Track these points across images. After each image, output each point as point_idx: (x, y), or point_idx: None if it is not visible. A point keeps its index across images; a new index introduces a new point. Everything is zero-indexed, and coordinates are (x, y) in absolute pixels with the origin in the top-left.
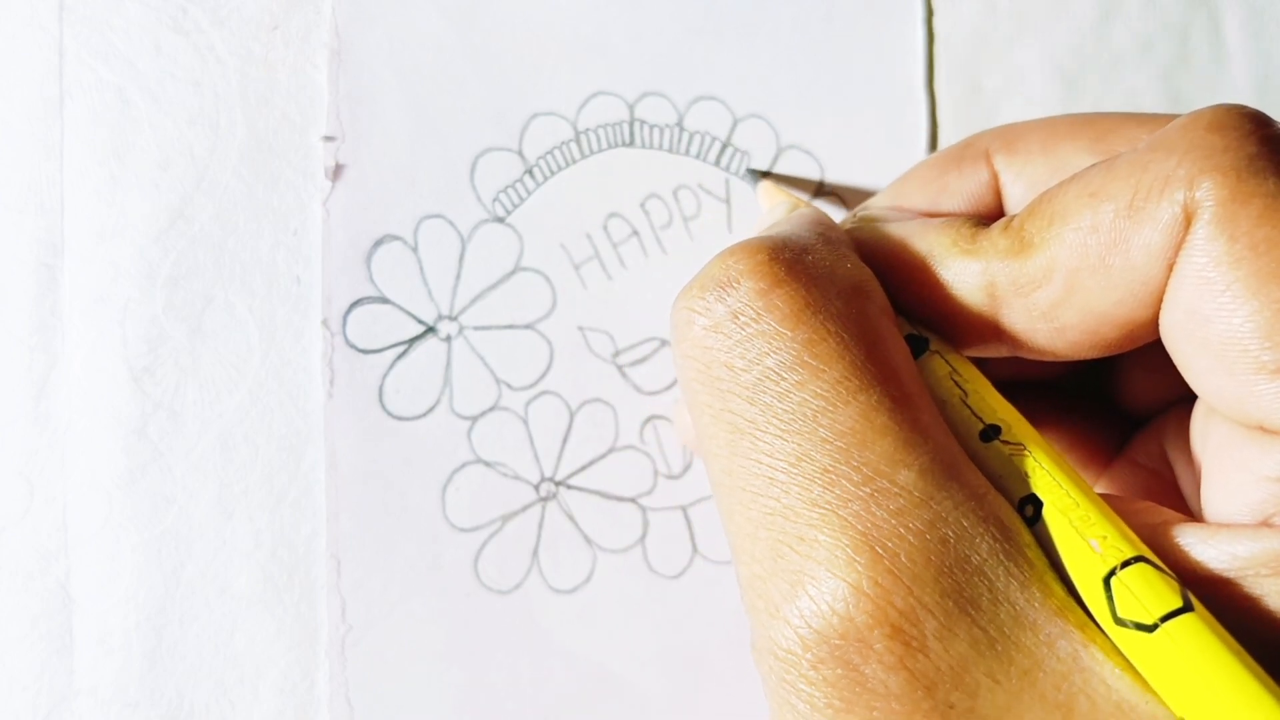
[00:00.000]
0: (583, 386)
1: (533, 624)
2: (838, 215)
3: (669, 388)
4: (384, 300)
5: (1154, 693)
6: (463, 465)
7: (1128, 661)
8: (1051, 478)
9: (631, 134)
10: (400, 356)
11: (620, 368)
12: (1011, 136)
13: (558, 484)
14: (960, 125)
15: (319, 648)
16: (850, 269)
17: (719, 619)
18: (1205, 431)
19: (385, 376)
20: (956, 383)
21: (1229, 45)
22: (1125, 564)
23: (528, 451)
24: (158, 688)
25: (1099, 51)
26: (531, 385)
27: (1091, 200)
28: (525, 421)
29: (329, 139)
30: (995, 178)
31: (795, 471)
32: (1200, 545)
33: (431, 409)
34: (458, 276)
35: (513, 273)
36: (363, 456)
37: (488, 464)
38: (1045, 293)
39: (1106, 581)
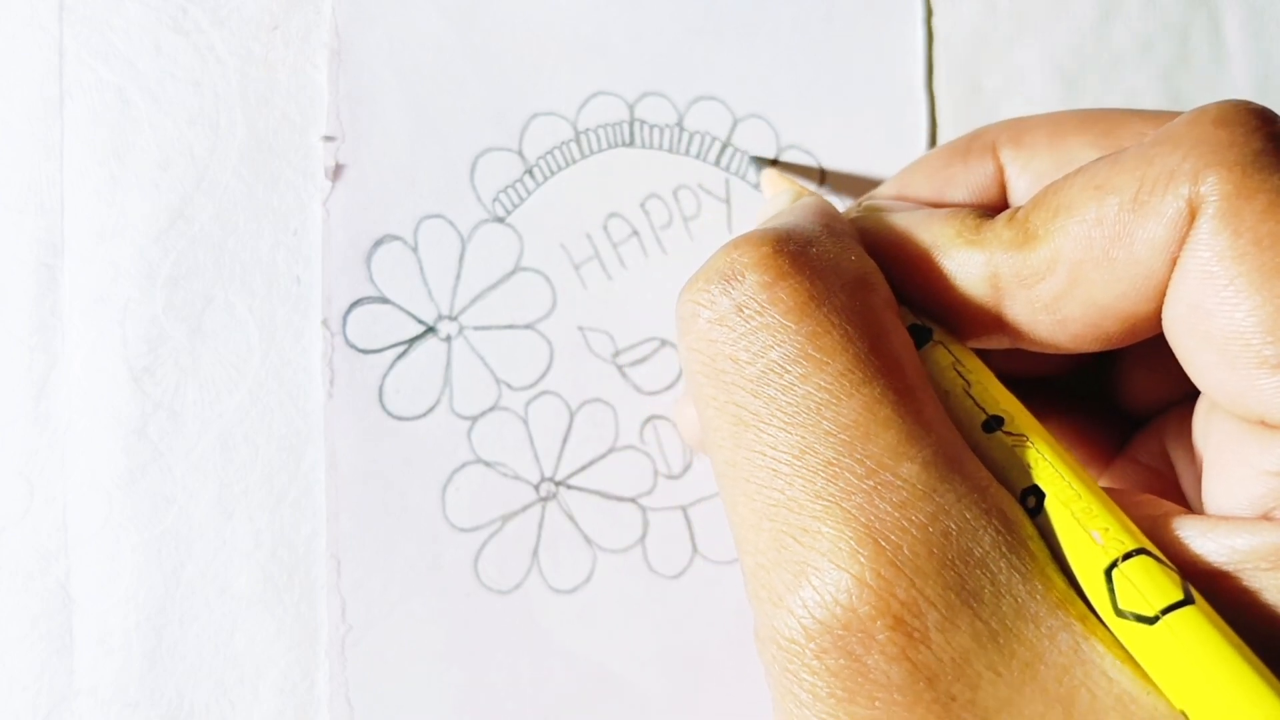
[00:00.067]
0: (583, 386)
1: (533, 624)
2: (839, 205)
3: (669, 388)
4: (384, 300)
5: (1154, 685)
6: (463, 465)
7: (1128, 654)
8: (1054, 469)
9: (631, 134)
10: (400, 356)
11: (620, 368)
12: (1018, 130)
13: (558, 484)
14: (960, 125)
15: (319, 648)
16: (854, 261)
17: (719, 619)
18: (1207, 427)
19: (385, 376)
20: (959, 373)
21: (1229, 45)
22: (1127, 556)
23: (528, 451)
24: (158, 688)
25: (1099, 51)
26: (531, 385)
27: (1096, 193)
28: (525, 421)
29: (329, 139)
30: (1001, 170)
31: (799, 464)
32: (1200, 538)
33: (431, 409)
34: (458, 276)
35: (513, 273)
36: (363, 456)
37: (488, 464)
38: (1048, 285)
39: (1108, 573)
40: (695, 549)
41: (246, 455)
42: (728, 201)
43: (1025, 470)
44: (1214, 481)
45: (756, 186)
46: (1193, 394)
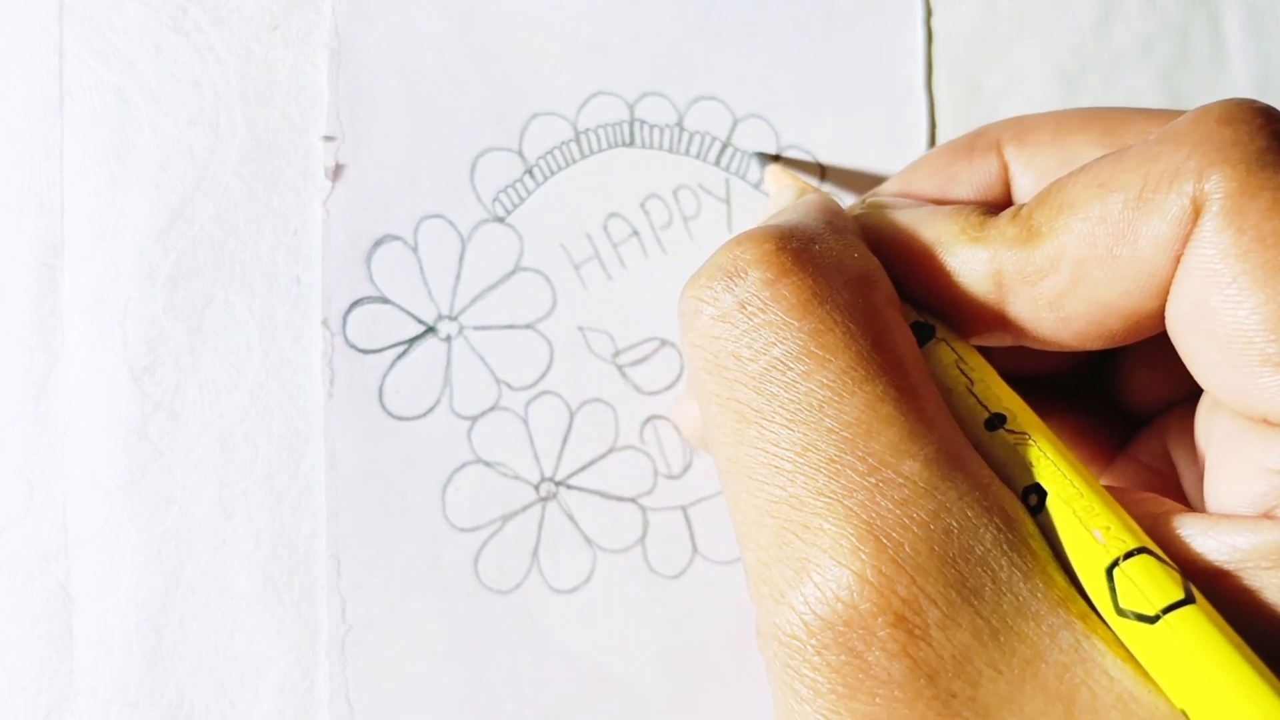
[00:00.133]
0: (583, 386)
1: (533, 624)
2: (843, 202)
3: (669, 388)
4: (384, 300)
5: (1155, 684)
6: (463, 465)
7: (1129, 653)
8: (1055, 467)
9: (631, 134)
10: (400, 356)
11: (620, 368)
12: (1022, 127)
13: (558, 484)
14: (960, 125)
15: (319, 648)
16: (857, 259)
17: (719, 619)
18: (1209, 426)
19: (385, 376)
20: (962, 371)
21: (1229, 45)
22: (1128, 555)
23: (528, 451)
24: (158, 688)
25: (1099, 51)
26: (531, 385)
27: (1100, 190)
28: (525, 421)
29: (329, 139)
30: (1005, 168)
31: (801, 460)
32: (1201, 536)
33: (431, 409)
34: (458, 276)
35: (513, 273)
36: (363, 456)
37: (488, 464)
38: (1052, 282)
39: (1109, 572)
40: (695, 549)
41: (246, 455)
42: (728, 201)
43: (1027, 468)
44: (1216, 480)
45: (757, 185)
46: (1194, 393)
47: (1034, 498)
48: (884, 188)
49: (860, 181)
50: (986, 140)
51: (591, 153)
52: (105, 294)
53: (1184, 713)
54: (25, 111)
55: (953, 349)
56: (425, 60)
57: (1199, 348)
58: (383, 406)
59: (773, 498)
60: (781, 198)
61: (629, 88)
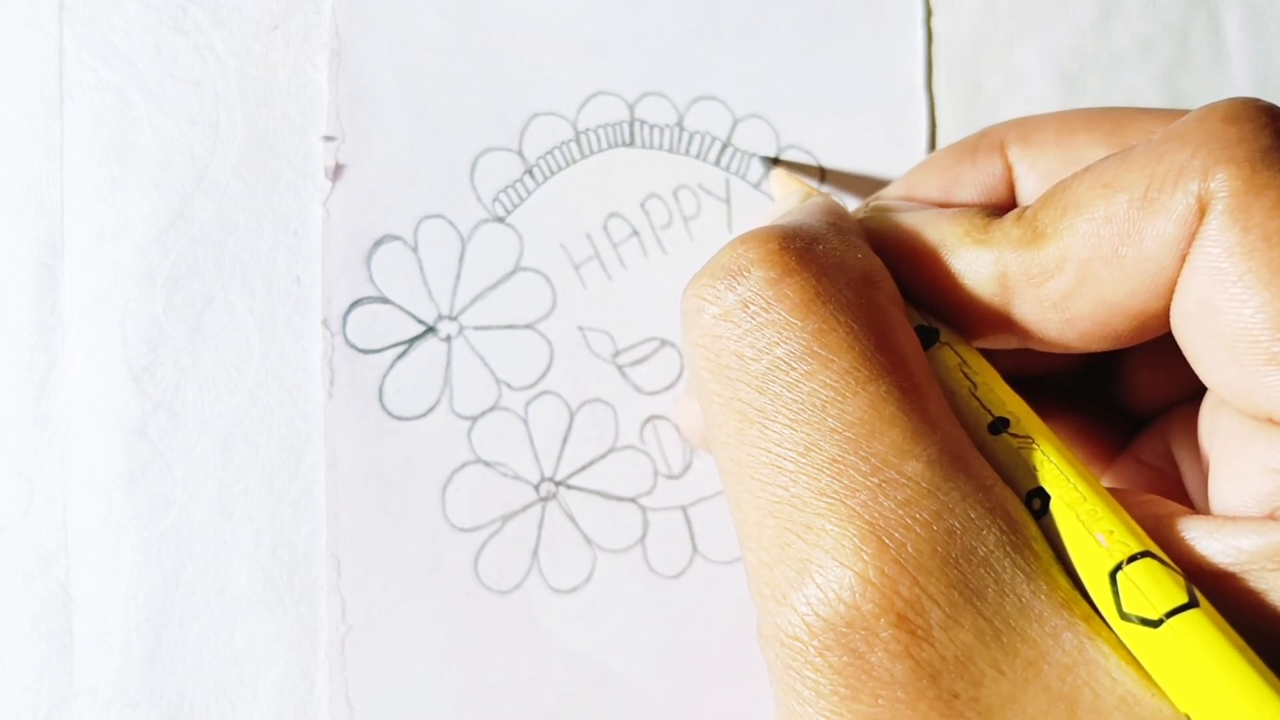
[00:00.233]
0: (583, 386)
1: (533, 624)
2: (847, 206)
3: (669, 388)
4: (384, 300)
5: (1159, 688)
6: (463, 465)
7: (1133, 656)
8: (1059, 471)
9: (631, 134)
10: (400, 356)
11: (620, 368)
12: (1026, 128)
13: (558, 484)
14: (960, 125)
15: (319, 648)
16: (861, 259)
17: (719, 619)
18: (1213, 425)
19: (385, 376)
20: (966, 374)
21: (1229, 45)
22: (1132, 559)
23: (528, 451)
24: (158, 688)
25: (1099, 51)
26: (531, 385)
27: (1105, 190)
28: (525, 421)
29: (329, 139)
30: (1009, 169)
31: (804, 460)
32: (1205, 539)
33: (431, 409)
34: (458, 276)
35: (513, 273)
36: (363, 456)
37: (488, 464)
38: (1057, 283)
39: (1113, 576)
40: (695, 549)
41: (246, 455)
42: (728, 201)
43: (1031, 472)
44: (1220, 479)
45: (757, 185)
46: (1196, 392)
47: (1037, 502)
48: (887, 191)
49: (861, 183)
50: (990, 141)
51: (591, 153)
52: (105, 294)
53: (1187, 717)
54: (25, 111)
55: (956, 352)
56: (425, 60)
57: (1204, 347)
58: (383, 406)
59: (775, 498)
60: (786, 202)
61: (629, 88)
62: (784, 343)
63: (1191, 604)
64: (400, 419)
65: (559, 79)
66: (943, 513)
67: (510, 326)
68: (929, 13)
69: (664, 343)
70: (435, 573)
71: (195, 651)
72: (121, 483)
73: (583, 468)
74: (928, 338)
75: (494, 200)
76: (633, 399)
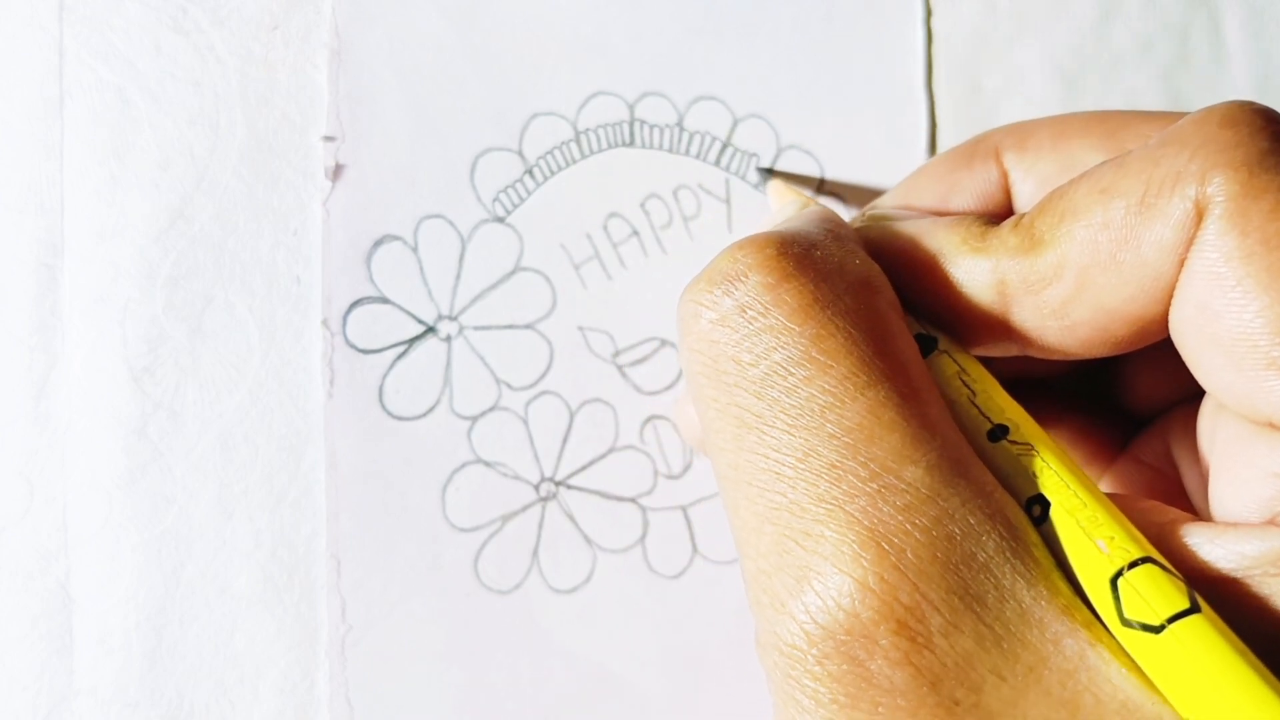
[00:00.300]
0: (583, 386)
1: (533, 624)
2: (842, 212)
3: (669, 388)
4: (384, 300)
5: (1160, 694)
6: (463, 465)
7: (1134, 662)
8: (1059, 478)
9: (631, 134)
10: (400, 356)
11: (620, 368)
12: (1021, 134)
13: (558, 484)
14: (960, 125)
15: (319, 648)
16: (859, 264)
17: (719, 619)
18: (1213, 428)
19: (385, 376)
20: (964, 382)
21: (1229, 45)
22: (1132, 565)
23: (528, 451)
24: (158, 688)
25: (1099, 51)
26: (531, 385)
27: (1103, 196)
28: (525, 421)
29: (329, 139)
30: (1005, 175)
31: (802, 466)
32: (1207, 545)
33: (431, 409)
34: (458, 276)
35: (513, 273)
36: (363, 456)
37: (488, 464)
38: (1056, 290)
39: (1113, 582)
40: (695, 549)
41: (246, 455)
42: (728, 201)
43: (1030, 479)
44: (1221, 484)
45: (757, 186)
46: (1196, 393)
47: (1037, 509)
48: (883, 200)
49: (858, 193)
50: (985, 148)
51: (591, 153)
52: (105, 294)
53: None
54: (25, 111)
55: (955, 360)
56: (425, 60)
57: (1203, 352)
58: (383, 406)
59: (773, 504)
60: (783, 212)
61: (629, 88)
62: (782, 348)
63: (1193, 609)
64: (400, 419)
65: (559, 79)
66: (942, 518)
67: (510, 326)
68: (929, 13)
69: (664, 343)
70: (435, 573)
71: (195, 651)
72: (121, 483)
73: (583, 468)
74: (926, 346)
75: (494, 200)
76: (633, 399)
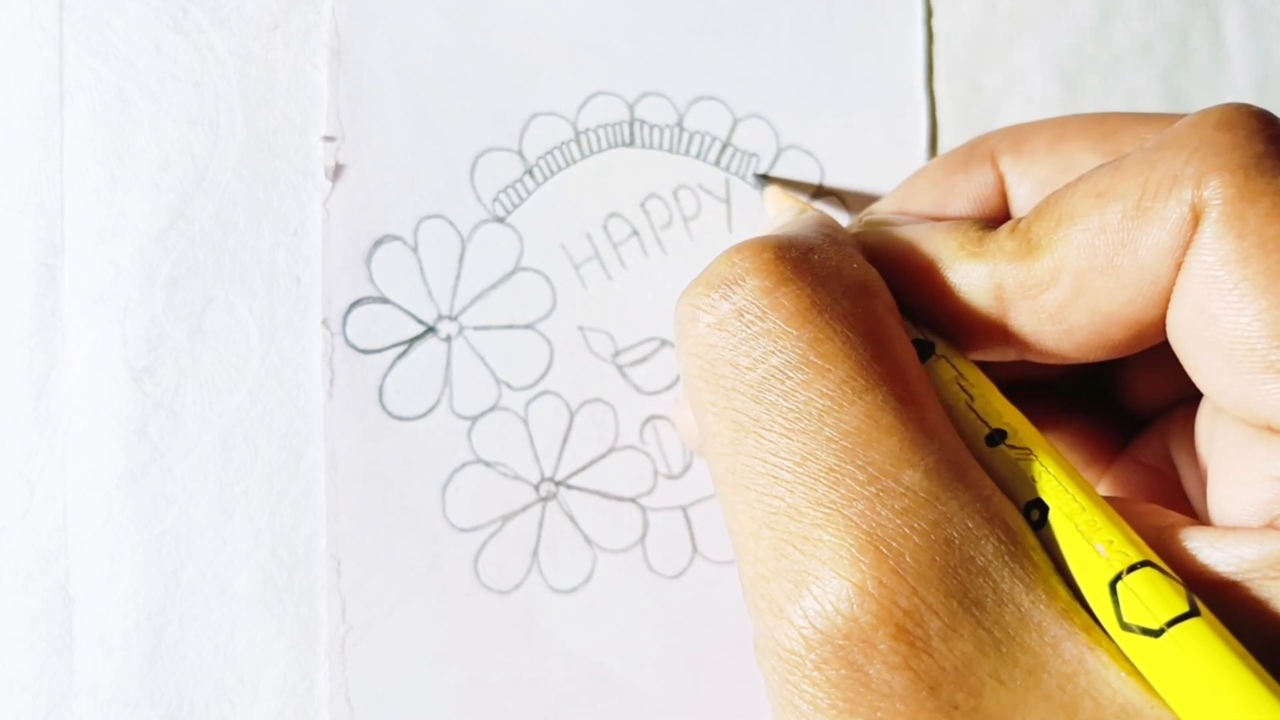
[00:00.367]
0: (583, 386)
1: (533, 624)
2: (839, 217)
3: (669, 388)
4: (384, 300)
5: (1159, 697)
6: (463, 465)
7: (1133, 666)
8: (1058, 482)
9: (631, 134)
10: (400, 356)
11: (620, 368)
12: (1017, 137)
13: (558, 484)
14: (960, 125)
15: (319, 648)
16: (856, 268)
17: (719, 619)
18: (1211, 431)
19: (385, 376)
20: (962, 387)
21: (1229, 45)
22: (1131, 569)
23: (528, 451)
24: (158, 688)
25: (1099, 51)
26: (531, 385)
27: (1099, 200)
28: (525, 421)
29: (329, 139)
30: (1001, 179)
31: (800, 470)
32: (1207, 548)
33: (431, 409)
34: (458, 276)
35: (513, 273)
36: (363, 456)
37: (488, 464)
38: (1053, 294)
39: (1112, 586)
40: (695, 549)
41: (246, 455)
42: (728, 201)
43: (1029, 484)
44: (1219, 487)
45: (754, 186)
46: (1195, 394)
47: (1036, 513)
48: (880, 205)
49: (856, 200)
50: (981, 152)
51: (591, 153)
52: (105, 294)
53: None
54: (25, 111)
55: (952, 365)
56: (425, 60)
57: (1201, 355)
58: (383, 406)
59: (771, 509)
60: (780, 218)
61: (629, 88)
62: (779, 351)
63: (1192, 613)
64: (400, 419)
65: (559, 79)
66: (941, 522)
67: (510, 326)
68: (929, 13)
69: (664, 343)
70: (435, 573)
71: (195, 651)
72: (121, 483)
73: (583, 468)
74: (923, 351)
75: (494, 200)
76: (633, 399)
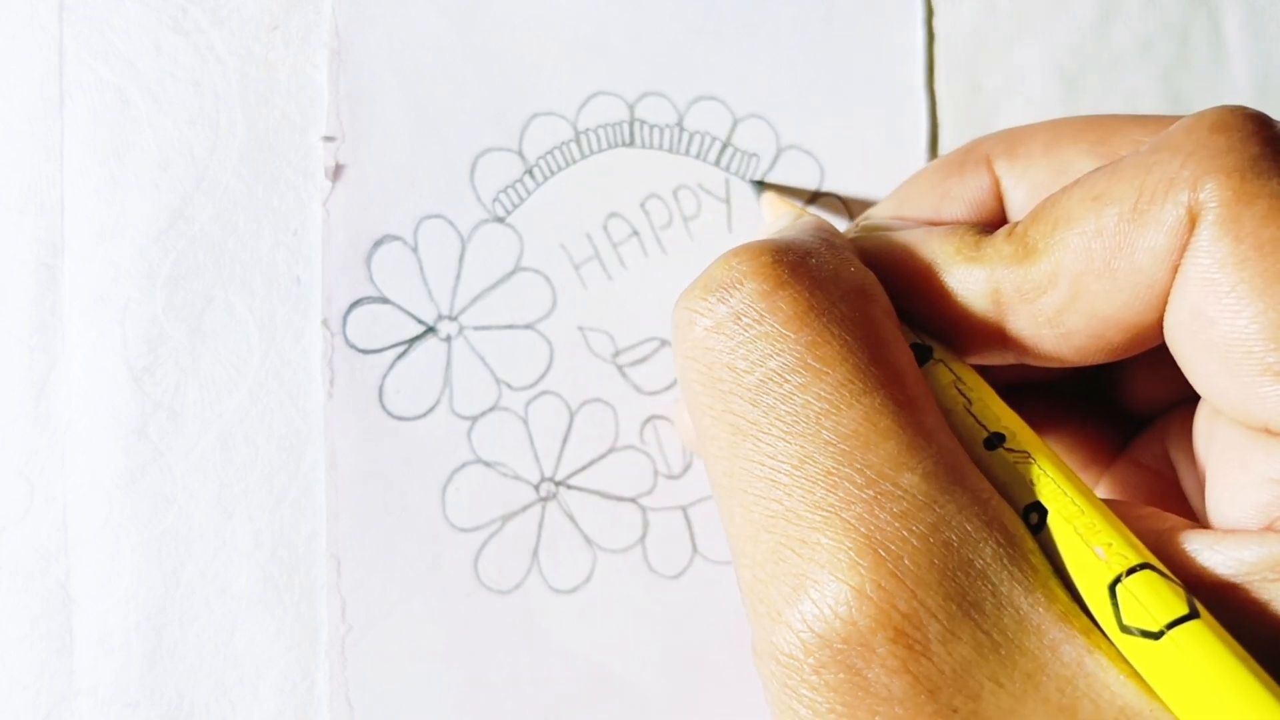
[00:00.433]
0: (583, 386)
1: (533, 624)
2: (837, 221)
3: (669, 388)
4: (384, 300)
5: (1159, 699)
6: (463, 465)
7: (1133, 669)
8: (1056, 485)
9: (631, 134)
10: (400, 356)
11: (620, 368)
12: (1012, 140)
13: (558, 484)
14: (960, 125)
15: (319, 648)
16: (854, 272)
17: (719, 619)
18: (1209, 433)
19: (385, 376)
20: (960, 391)
21: (1229, 45)
22: (1131, 571)
23: (528, 451)
24: (158, 688)
25: (1099, 51)
26: (531, 385)
27: (1095, 204)
28: (525, 421)
29: (329, 139)
30: (996, 183)
31: (798, 474)
32: (1206, 551)
33: (431, 409)
34: (458, 276)
35: (513, 273)
36: (363, 456)
37: (488, 464)
38: (1051, 298)
39: (1112, 588)
40: (695, 549)
41: (246, 455)
42: (728, 201)
43: (1028, 487)
44: (1217, 489)
45: (753, 191)
46: (1194, 395)
47: (1034, 516)
48: (876, 210)
49: (853, 204)
50: (976, 156)
51: (591, 153)
52: (105, 294)
53: None
54: (25, 111)
55: (950, 369)
56: (425, 60)
57: (1198, 358)
58: (383, 406)
59: (769, 512)
60: (778, 223)
61: (629, 88)
62: (777, 355)
63: (1192, 615)
64: (400, 419)
65: (559, 79)
66: (939, 525)
67: (510, 326)
68: (929, 13)
69: (664, 343)
70: (435, 573)
71: (195, 651)
72: (121, 483)
73: (583, 468)
74: (921, 355)
75: (494, 200)
76: (633, 399)
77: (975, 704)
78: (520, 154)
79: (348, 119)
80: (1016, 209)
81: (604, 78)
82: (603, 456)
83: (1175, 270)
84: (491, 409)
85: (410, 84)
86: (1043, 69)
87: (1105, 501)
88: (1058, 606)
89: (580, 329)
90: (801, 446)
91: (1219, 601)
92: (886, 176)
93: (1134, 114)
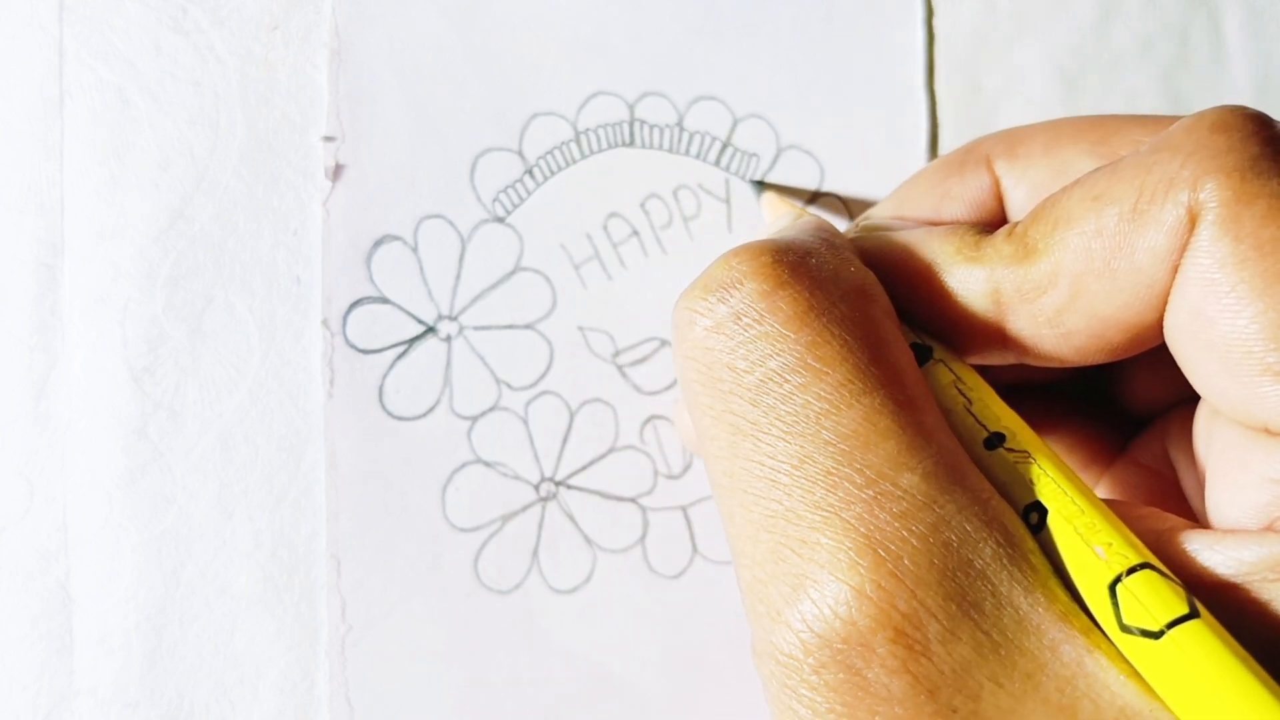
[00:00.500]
0: (583, 386)
1: (533, 624)
2: (837, 221)
3: (669, 388)
4: (384, 300)
5: (1159, 699)
6: (463, 465)
7: (1133, 668)
8: (1056, 485)
9: (631, 134)
10: (400, 356)
11: (620, 368)
12: (1012, 140)
13: (558, 484)
14: (960, 125)
15: (319, 648)
16: (854, 272)
17: (719, 619)
18: (1209, 433)
19: (385, 376)
20: (960, 391)
21: (1229, 45)
22: (1131, 570)
23: (528, 451)
24: (158, 688)
25: (1099, 51)
26: (531, 385)
27: (1095, 204)
28: (525, 421)
29: (329, 139)
30: (996, 183)
31: (798, 474)
32: (1206, 551)
33: (431, 409)
34: (458, 276)
35: (513, 273)
36: (363, 456)
37: (488, 464)
38: (1051, 298)
39: (1112, 588)
40: (695, 549)
41: (246, 455)
42: (728, 201)
43: (1028, 487)
44: (1217, 489)
45: (753, 192)
46: (1195, 395)
47: (1034, 516)
48: (876, 210)
49: (853, 205)
50: (976, 156)
51: (591, 153)
52: (105, 294)
53: None
54: (25, 111)
55: (950, 369)
56: (425, 60)
57: (1198, 358)
58: (383, 406)
59: (769, 512)
60: (778, 223)
61: (629, 88)
62: (777, 355)
63: (1192, 614)
64: (400, 419)
65: (559, 79)
66: (939, 525)
67: (510, 326)
68: (929, 13)
69: (664, 343)
70: (435, 573)
71: (195, 651)
72: (121, 483)
73: (583, 468)
74: (921, 355)
75: (494, 200)
76: (633, 399)
77: (975, 704)
78: (520, 154)
79: (348, 119)
80: (1016, 209)
81: (604, 78)
82: (603, 456)
83: (1175, 270)
84: (491, 409)
85: (410, 84)
86: (1043, 69)
87: (1105, 501)
88: (1058, 606)
89: (580, 329)
90: (801, 446)
91: (1219, 601)
92: (886, 176)
93: (1134, 114)
